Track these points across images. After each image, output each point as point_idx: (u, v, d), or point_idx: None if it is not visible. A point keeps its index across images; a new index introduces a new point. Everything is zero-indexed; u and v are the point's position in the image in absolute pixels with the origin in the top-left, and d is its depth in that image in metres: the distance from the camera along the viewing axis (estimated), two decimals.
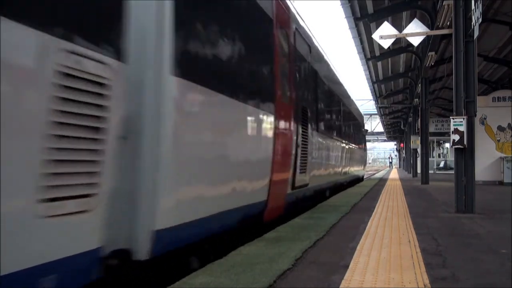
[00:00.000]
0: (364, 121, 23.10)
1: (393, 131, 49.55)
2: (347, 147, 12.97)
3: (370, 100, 31.25)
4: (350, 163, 14.02)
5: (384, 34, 9.47)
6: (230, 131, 4.11)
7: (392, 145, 77.74)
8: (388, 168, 54.50)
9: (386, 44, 9.77)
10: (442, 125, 28.02)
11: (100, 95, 2.26)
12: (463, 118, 6.92)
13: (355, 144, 15.80)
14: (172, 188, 2.99)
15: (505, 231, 5.11)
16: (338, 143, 11.07)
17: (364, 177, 23.75)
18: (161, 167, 2.78)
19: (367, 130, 24.45)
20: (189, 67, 3.12)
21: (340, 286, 2.80)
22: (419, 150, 18.99)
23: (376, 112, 40.74)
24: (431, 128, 24.95)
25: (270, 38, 5.31)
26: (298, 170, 6.41)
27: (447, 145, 36.80)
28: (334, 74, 11.39)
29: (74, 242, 2.13)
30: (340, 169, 11.54)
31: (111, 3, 2.40)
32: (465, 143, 6.90)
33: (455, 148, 7.10)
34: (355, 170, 16.44)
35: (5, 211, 1.72)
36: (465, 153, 6.99)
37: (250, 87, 4.58)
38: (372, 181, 18.65)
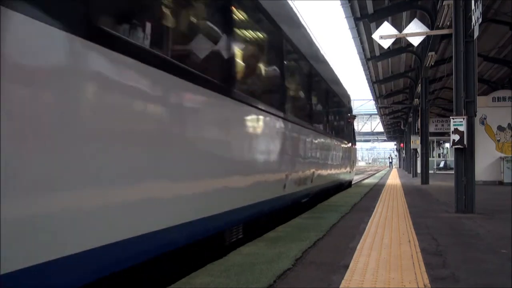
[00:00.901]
0: (359, 118, 13.76)
1: (393, 131, 49.57)
2: (309, 138, 7.38)
3: (370, 100, 31.29)
4: (319, 165, 8.28)
5: (384, 34, 9.47)
6: None
7: (392, 145, 77.82)
8: (388, 168, 54.51)
9: (386, 44, 9.76)
10: (442, 125, 28.04)
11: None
12: (463, 118, 6.92)
13: (330, 133, 9.84)
14: None
15: (505, 231, 5.11)
16: (285, 125, 5.73)
17: (354, 181, 16.77)
18: None
19: (355, 116, 15.39)
20: None
21: (340, 286, 2.80)
22: (419, 150, 18.99)
23: (376, 112, 40.75)
24: (431, 128, 24.95)
25: None
26: None
27: (447, 145, 36.81)
28: None
29: None
30: (283, 176, 5.73)
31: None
32: (465, 143, 6.90)
33: (455, 148, 7.10)
34: (331, 174, 9.90)
35: None
36: (465, 153, 6.99)
37: None
38: (371, 182, 18.65)
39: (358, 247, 4.06)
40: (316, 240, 4.35)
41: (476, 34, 6.67)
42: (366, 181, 20.37)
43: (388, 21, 10.54)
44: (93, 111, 2.22)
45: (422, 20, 10.86)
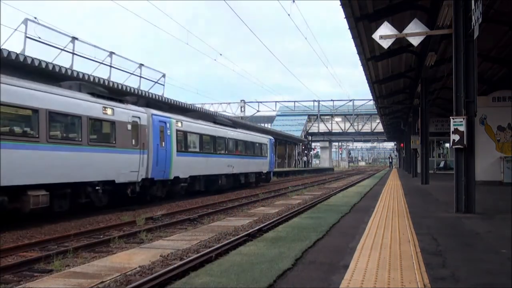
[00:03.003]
0: None
1: (393, 131, 49.52)
2: None
3: (370, 100, 31.26)
4: None
5: (384, 34, 9.46)
6: None
7: (392, 145, 77.76)
8: (388, 168, 54.47)
9: (386, 44, 9.75)
10: (442, 125, 28.00)
11: None
12: (463, 118, 6.92)
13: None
14: None
15: (505, 231, 5.11)
16: None
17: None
18: None
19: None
20: None
21: (340, 286, 2.80)
22: (419, 150, 18.99)
23: (376, 112, 40.69)
24: (431, 128, 24.91)
25: None
26: None
27: (447, 145, 36.78)
28: None
29: None
30: None
31: None
32: (465, 143, 6.89)
33: (455, 148, 7.10)
34: None
35: None
36: (465, 153, 6.99)
37: None
38: (371, 182, 18.64)
39: (358, 247, 4.05)
40: (316, 240, 4.35)
41: (476, 34, 6.67)
42: (365, 181, 20.38)
43: (388, 21, 10.53)
44: None
45: (422, 20, 10.85)
